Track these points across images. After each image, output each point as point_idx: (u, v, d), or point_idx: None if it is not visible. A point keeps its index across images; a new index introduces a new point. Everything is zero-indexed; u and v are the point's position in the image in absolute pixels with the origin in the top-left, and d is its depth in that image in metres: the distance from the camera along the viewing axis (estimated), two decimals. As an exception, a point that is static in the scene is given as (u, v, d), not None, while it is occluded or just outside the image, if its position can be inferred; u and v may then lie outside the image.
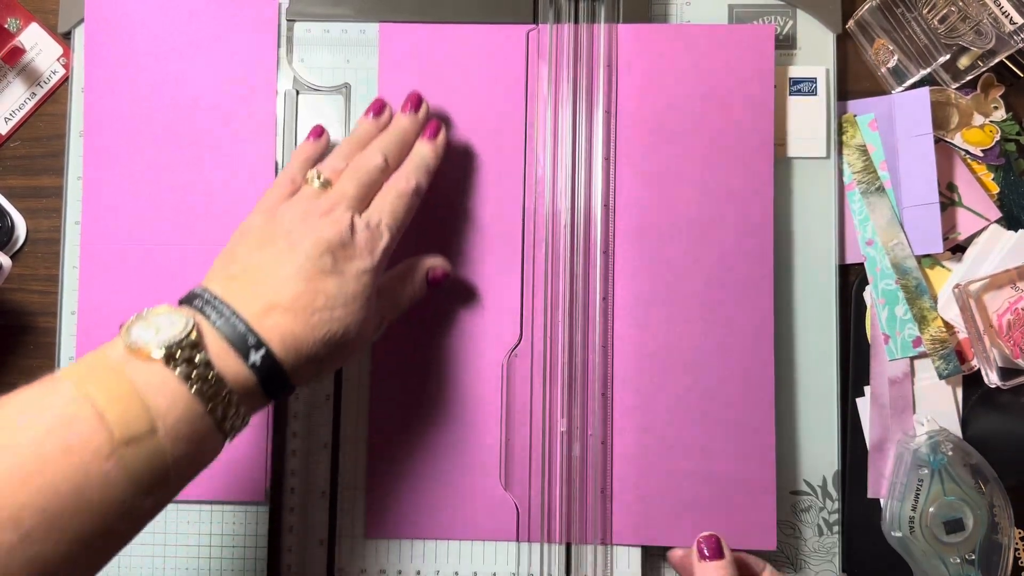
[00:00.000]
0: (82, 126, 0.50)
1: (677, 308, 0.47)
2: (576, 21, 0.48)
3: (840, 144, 0.50)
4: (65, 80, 0.52)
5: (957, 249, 0.50)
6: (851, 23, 0.51)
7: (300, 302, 0.37)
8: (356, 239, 0.39)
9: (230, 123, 0.49)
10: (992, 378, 0.47)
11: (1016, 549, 0.47)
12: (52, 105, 0.52)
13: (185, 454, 0.33)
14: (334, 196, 0.40)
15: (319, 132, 0.46)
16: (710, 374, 0.46)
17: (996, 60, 0.48)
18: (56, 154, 0.51)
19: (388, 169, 0.43)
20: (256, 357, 0.35)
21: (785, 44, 0.50)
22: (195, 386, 0.33)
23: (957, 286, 0.48)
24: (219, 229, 0.49)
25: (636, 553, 0.46)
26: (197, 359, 0.33)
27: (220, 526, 0.48)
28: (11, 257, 0.51)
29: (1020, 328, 0.47)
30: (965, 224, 0.50)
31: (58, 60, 0.52)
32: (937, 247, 0.48)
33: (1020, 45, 0.47)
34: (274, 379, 0.36)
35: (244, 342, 0.35)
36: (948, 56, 0.48)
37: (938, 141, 0.50)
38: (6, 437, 0.30)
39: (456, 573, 0.47)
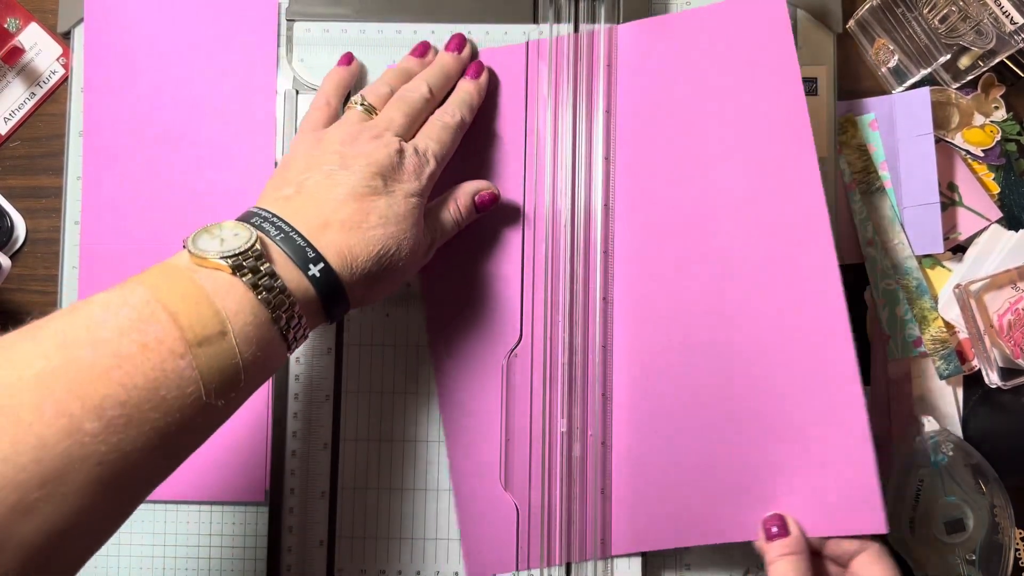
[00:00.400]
0: (82, 126, 0.50)
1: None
2: (576, 21, 0.48)
3: (840, 144, 0.50)
4: (64, 80, 0.52)
5: (957, 249, 0.50)
6: (851, 23, 0.50)
7: (354, 219, 0.38)
8: (405, 163, 0.41)
9: (230, 123, 0.49)
10: (992, 378, 0.47)
11: (1017, 549, 0.47)
12: (52, 105, 0.52)
13: (254, 358, 0.34)
14: (382, 122, 0.42)
15: (349, 59, 0.48)
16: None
17: (996, 60, 0.48)
18: (56, 154, 0.51)
19: (432, 100, 0.45)
20: (315, 270, 0.36)
21: (785, 44, 0.50)
22: (261, 294, 0.34)
23: (958, 286, 0.48)
24: (219, 229, 0.49)
25: (636, 556, 0.46)
26: (262, 268, 0.35)
27: (220, 526, 0.48)
28: (11, 257, 0.51)
29: (1020, 328, 0.47)
30: (965, 224, 0.50)
31: (57, 60, 0.52)
32: (937, 247, 0.48)
33: (1020, 45, 0.47)
34: (332, 292, 0.37)
35: (303, 255, 0.36)
36: (948, 56, 0.48)
37: (938, 141, 0.50)
38: (88, 333, 0.31)
39: (456, 573, 0.47)
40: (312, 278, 0.36)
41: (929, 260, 0.49)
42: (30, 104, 0.52)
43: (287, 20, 0.50)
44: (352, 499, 0.48)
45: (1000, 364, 0.47)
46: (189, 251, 0.35)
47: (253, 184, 0.49)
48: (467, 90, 0.46)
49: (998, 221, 0.49)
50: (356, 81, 0.48)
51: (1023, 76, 0.50)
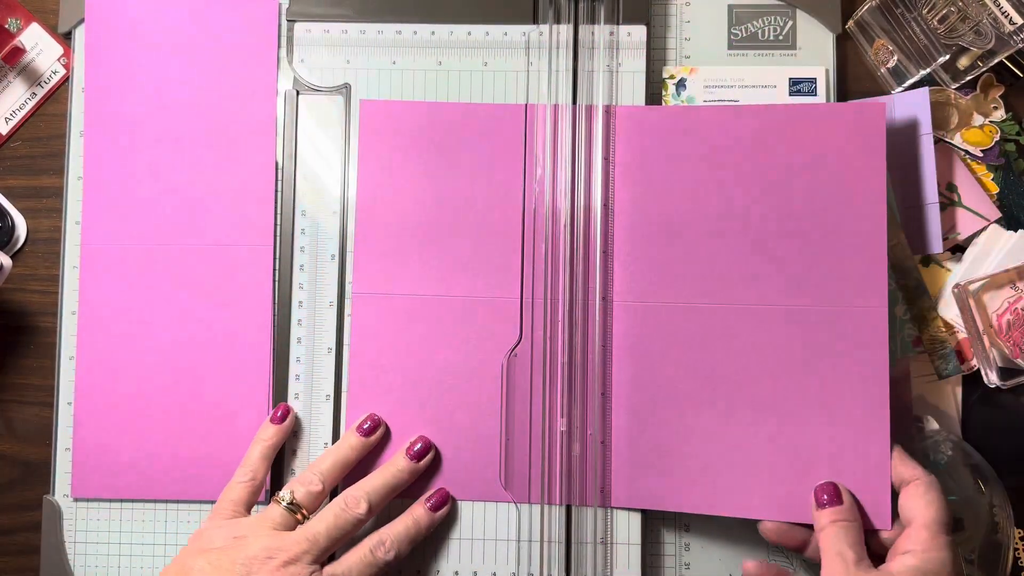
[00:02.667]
0: (82, 126, 0.50)
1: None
2: (576, 21, 0.48)
3: (840, 144, 0.50)
4: (65, 80, 0.52)
5: (957, 249, 0.50)
6: (851, 23, 0.51)
7: None
8: None
9: (230, 123, 0.49)
10: (992, 378, 0.47)
11: (1016, 549, 0.47)
12: (52, 105, 0.52)
13: None
14: (304, 541, 0.40)
15: (284, 413, 0.46)
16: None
17: (995, 60, 0.48)
18: (56, 154, 0.51)
19: (368, 518, 0.43)
20: None
21: (785, 44, 0.50)
22: None
23: (957, 286, 0.48)
24: (219, 229, 0.49)
25: (636, 551, 0.47)
26: None
27: (220, 526, 0.48)
28: (11, 257, 0.51)
29: (1020, 328, 0.47)
30: (965, 224, 0.50)
31: (58, 60, 0.52)
32: (937, 247, 0.48)
33: (1019, 45, 0.47)
34: None
35: None
36: (948, 56, 0.48)
37: (938, 141, 0.50)
38: None
39: (456, 572, 0.47)
40: None
41: (928, 260, 0.49)
42: (31, 104, 0.52)
43: (287, 20, 0.50)
44: (352, 499, 0.48)
45: (999, 364, 0.47)
46: None
47: (253, 184, 0.49)
48: (418, 523, 0.44)
49: (997, 221, 0.49)
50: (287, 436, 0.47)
51: (1022, 76, 0.50)
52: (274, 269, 0.49)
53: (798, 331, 0.45)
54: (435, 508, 0.45)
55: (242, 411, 0.48)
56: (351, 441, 0.45)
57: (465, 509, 0.47)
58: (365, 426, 0.45)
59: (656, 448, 0.46)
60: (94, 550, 0.49)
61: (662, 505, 0.46)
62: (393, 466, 0.45)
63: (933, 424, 0.48)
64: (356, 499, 0.42)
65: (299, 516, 0.42)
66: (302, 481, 0.43)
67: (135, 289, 0.49)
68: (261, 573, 0.39)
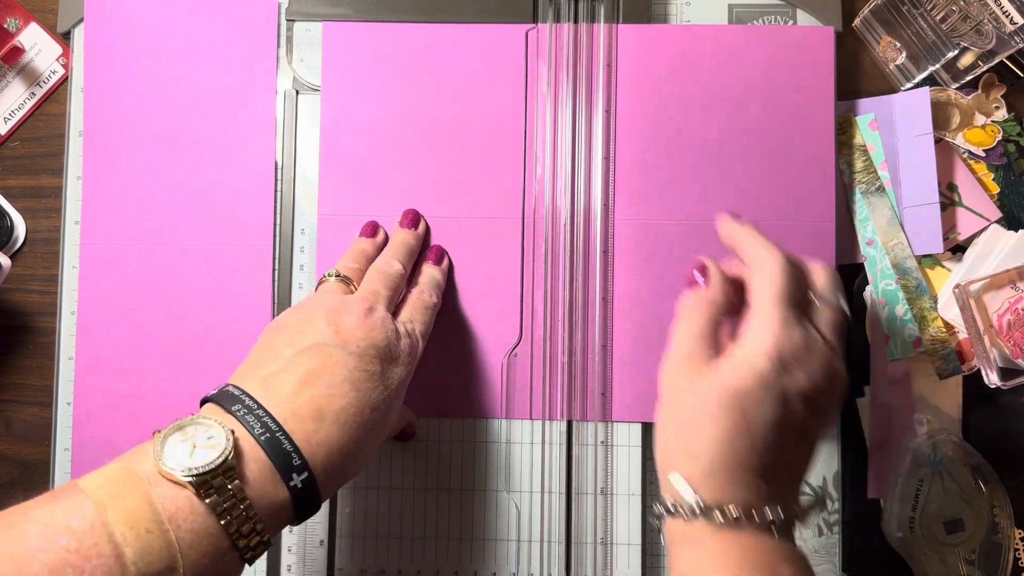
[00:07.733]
0: (82, 126, 0.50)
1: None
2: (576, 21, 0.48)
3: (840, 144, 0.50)
4: (64, 80, 0.52)
5: (957, 249, 0.50)
6: (858, 20, 0.50)
7: (349, 413, 0.35)
8: (400, 345, 0.38)
9: (230, 123, 0.49)
10: (992, 378, 0.47)
11: (1016, 549, 0.47)
12: (52, 105, 0.52)
13: None
14: (369, 295, 0.40)
15: (373, 229, 0.47)
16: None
17: (996, 60, 0.48)
18: (56, 154, 0.51)
19: (406, 276, 0.44)
20: (298, 480, 0.32)
21: (785, 44, 0.50)
22: (224, 519, 0.30)
23: (957, 286, 0.48)
24: (219, 229, 0.49)
25: (636, 551, 0.47)
26: (231, 487, 0.30)
27: (220, 526, 0.48)
28: (11, 257, 0.51)
29: (1020, 328, 0.47)
30: (965, 224, 0.50)
31: (57, 60, 0.52)
32: (937, 247, 0.48)
33: (1020, 45, 0.47)
34: (308, 501, 0.33)
35: (288, 463, 0.32)
36: (956, 51, 0.48)
37: (939, 141, 0.50)
38: (14, 567, 0.27)
39: (456, 572, 0.47)
40: (293, 489, 0.32)
41: (929, 260, 0.49)
42: (30, 104, 0.52)
43: (287, 20, 0.50)
44: (352, 499, 0.48)
45: (999, 364, 0.47)
46: (156, 457, 0.31)
47: (253, 184, 0.49)
48: (434, 276, 0.45)
49: (997, 221, 0.49)
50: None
51: (1023, 76, 0.50)
52: (274, 269, 0.49)
53: None
54: (438, 261, 0.46)
55: (242, 411, 0.48)
56: (363, 244, 0.45)
57: (465, 508, 0.47)
58: (368, 230, 0.46)
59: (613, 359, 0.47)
60: (94, 550, 0.49)
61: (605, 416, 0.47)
62: (398, 236, 0.46)
63: (933, 424, 0.48)
64: (388, 262, 0.43)
65: (352, 287, 0.41)
66: (339, 265, 0.43)
67: (135, 289, 0.49)
68: (347, 317, 0.37)
